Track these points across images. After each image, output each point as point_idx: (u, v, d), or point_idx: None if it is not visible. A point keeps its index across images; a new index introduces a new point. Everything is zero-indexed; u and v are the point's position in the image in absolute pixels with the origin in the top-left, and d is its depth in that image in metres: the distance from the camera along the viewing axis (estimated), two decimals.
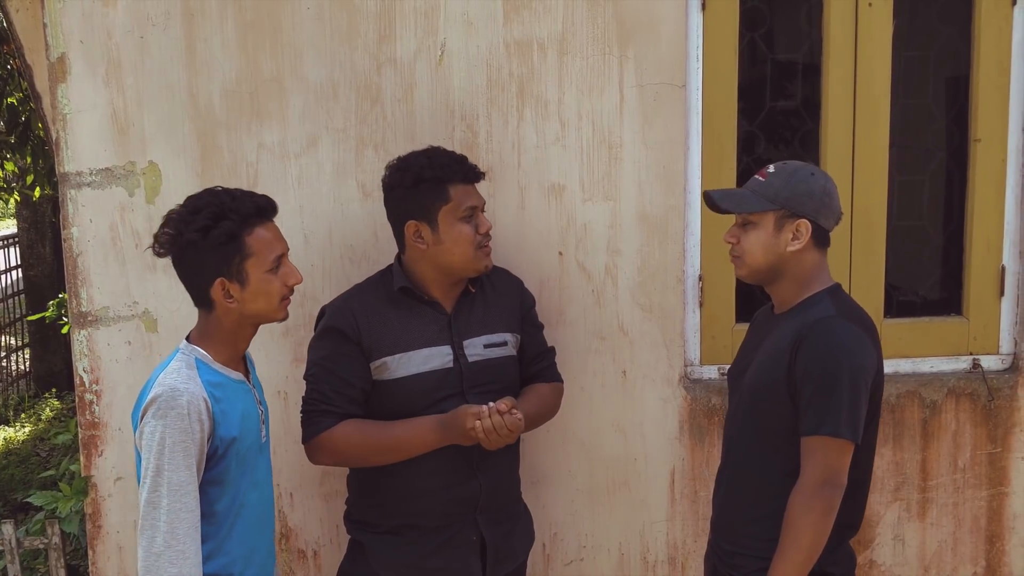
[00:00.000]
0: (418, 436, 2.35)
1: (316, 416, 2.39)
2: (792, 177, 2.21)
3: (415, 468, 2.38)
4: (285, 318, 2.21)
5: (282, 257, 2.16)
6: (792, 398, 2.16)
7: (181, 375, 2.06)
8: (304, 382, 2.45)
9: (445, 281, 2.44)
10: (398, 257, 2.50)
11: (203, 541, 2.09)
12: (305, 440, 2.42)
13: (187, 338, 2.18)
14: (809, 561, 2.12)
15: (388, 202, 2.45)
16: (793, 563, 2.12)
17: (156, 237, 2.12)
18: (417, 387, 2.38)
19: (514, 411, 2.27)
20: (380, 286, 2.47)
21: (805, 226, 2.20)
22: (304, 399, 2.44)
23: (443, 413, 2.36)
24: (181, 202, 2.15)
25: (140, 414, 2.07)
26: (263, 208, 2.15)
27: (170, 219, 2.12)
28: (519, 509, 2.64)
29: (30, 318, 5.02)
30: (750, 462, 2.29)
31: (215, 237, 2.06)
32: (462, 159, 2.42)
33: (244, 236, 2.09)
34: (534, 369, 2.62)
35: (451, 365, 2.41)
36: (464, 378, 2.42)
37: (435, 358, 2.40)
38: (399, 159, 2.44)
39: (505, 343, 2.51)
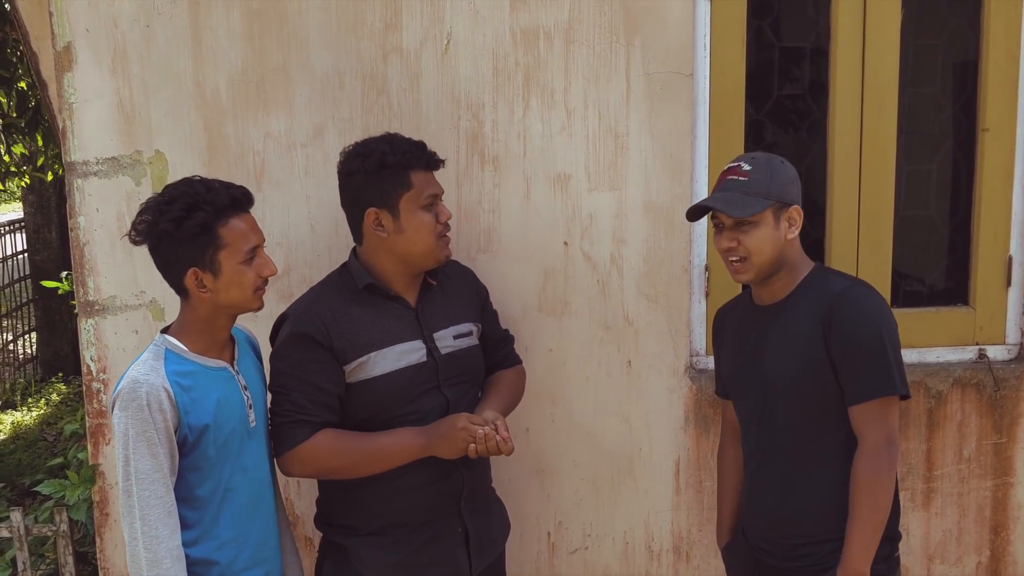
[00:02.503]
0: (401, 446, 2.29)
1: (290, 427, 2.28)
2: (772, 169, 2.25)
3: (399, 467, 2.32)
4: (260, 308, 2.22)
5: (257, 248, 2.16)
6: (835, 372, 2.20)
7: (145, 366, 2.10)
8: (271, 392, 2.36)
9: (406, 273, 2.39)
10: (354, 252, 2.45)
11: (189, 527, 2.14)
12: (279, 453, 2.30)
13: (164, 330, 2.20)
14: (883, 523, 2.18)
15: (345, 188, 2.37)
16: (873, 526, 2.17)
17: (133, 225, 2.13)
18: (395, 383, 2.33)
19: (510, 441, 2.24)
20: (342, 286, 2.39)
21: (798, 212, 2.26)
22: (273, 411, 2.32)
23: (420, 408, 2.34)
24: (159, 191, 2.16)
25: (110, 406, 2.13)
26: (238, 200, 2.15)
27: (147, 207, 2.13)
28: (493, 496, 2.62)
29: (45, 284, 5.03)
30: (803, 453, 2.30)
31: (188, 228, 2.07)
32: (422, 145, 2.35)
33: (218, 227, 2.10)
34: (499, 355, 2.63)
35: (425, 359, 2.37)
36: (439, 371, 2.40)
37: (409, 353, 2.36)
38: (357, 144, 2.36)
39: (471, 333, 2.50)
